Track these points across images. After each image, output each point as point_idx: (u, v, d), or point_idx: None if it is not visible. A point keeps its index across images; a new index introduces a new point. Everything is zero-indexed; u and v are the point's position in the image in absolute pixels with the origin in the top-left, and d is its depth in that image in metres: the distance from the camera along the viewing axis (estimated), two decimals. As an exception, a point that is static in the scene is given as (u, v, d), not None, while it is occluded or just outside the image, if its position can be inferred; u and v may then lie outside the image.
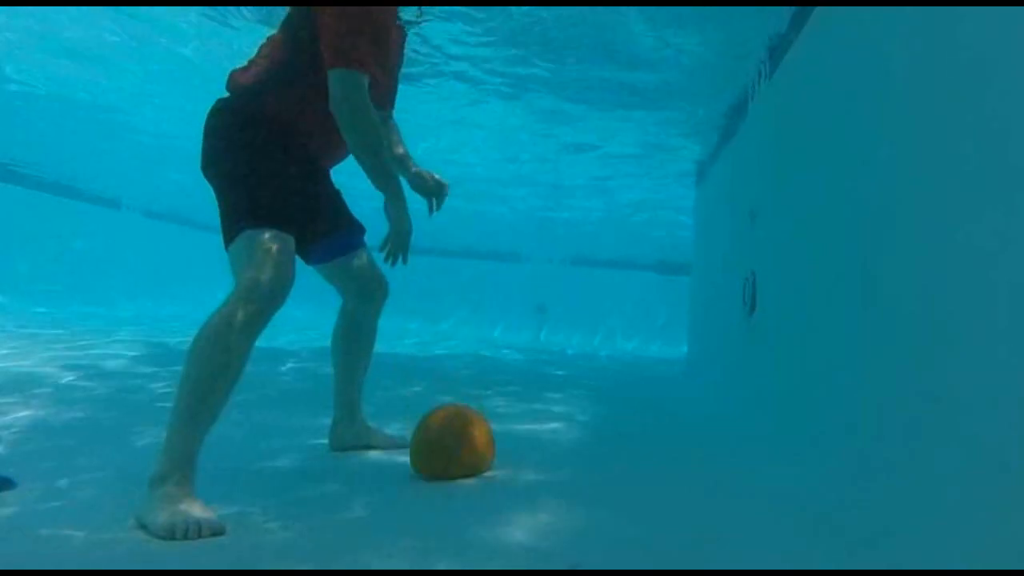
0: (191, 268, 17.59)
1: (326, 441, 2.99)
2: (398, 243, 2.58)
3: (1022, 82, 1.66)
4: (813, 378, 3.17)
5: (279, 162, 2.36)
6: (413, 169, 2.96)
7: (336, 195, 2.77)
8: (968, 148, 1.91)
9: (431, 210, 2.94)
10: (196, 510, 1.90)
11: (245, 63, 2.52)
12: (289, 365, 6.09)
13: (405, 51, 3.00)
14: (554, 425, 3.92)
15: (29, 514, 1.96)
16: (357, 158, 2.43)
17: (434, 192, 2.95)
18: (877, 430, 2.40)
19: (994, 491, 1.67)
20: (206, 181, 2.42)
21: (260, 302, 2.12)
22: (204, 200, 2.89)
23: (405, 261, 2.59)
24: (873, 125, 2.66)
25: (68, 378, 4.51)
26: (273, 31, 2.56)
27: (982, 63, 1.88)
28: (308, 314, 7.66)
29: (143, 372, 5.07)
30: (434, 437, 2.60)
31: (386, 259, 2.59)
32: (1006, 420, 1.64)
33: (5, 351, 5.68)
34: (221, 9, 5.68)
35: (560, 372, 7.67)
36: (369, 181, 2.50)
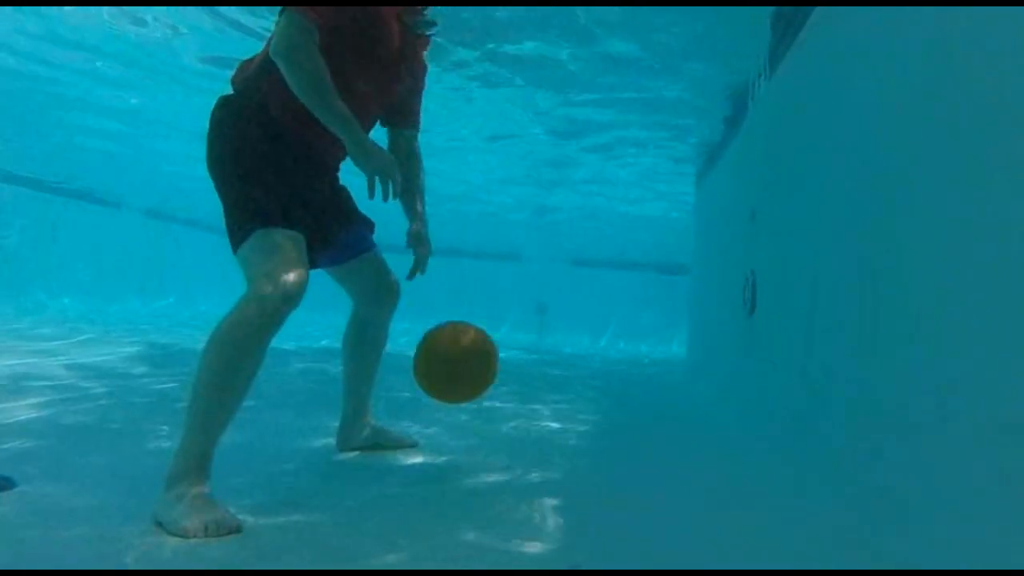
0: (191, 267, 17.61)
1: (333, 441, 3.02)
2: (383, 182, 2.33)
3: (1022, 81, 1.69)
4: (813, 378, 3.19)
5: (283, 160, 2.31)
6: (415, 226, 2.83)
7: (344, 194, 2.71)
8: (969, 147, 1.94)
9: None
10: (212, 509, 1.92)
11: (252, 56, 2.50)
12: (294, 366, 6.10)
13: (427, 65, 2.86)
14: (555, 425, 3.95)
15: (29, 514, 1.96)
16: (306, 103, 2.21)
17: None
18: (878, 430, 2.43)
19: (995, 491, 1.69)
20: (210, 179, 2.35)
21: (275, 303, 2.08)
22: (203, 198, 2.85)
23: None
24: (873, 124, 2.69)
25: (69, 378, 4.52)
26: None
27: (982, 62, 1.91)
28: (310, 314, 7.65)
29: (143, 372, 5.09)
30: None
31: (384, 199, 2.36)
32: (1006, 420, 1.66)
33: (4, 351, 5.69)
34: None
35: (560, 372, 7.69)
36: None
